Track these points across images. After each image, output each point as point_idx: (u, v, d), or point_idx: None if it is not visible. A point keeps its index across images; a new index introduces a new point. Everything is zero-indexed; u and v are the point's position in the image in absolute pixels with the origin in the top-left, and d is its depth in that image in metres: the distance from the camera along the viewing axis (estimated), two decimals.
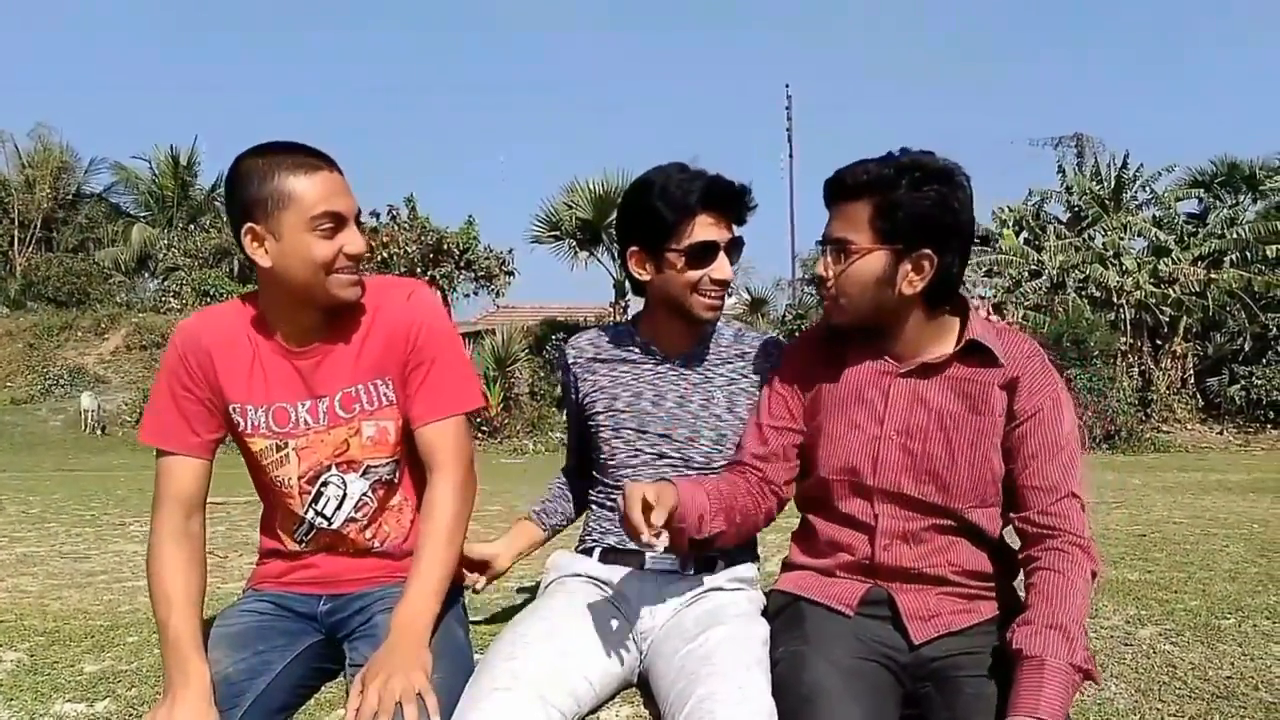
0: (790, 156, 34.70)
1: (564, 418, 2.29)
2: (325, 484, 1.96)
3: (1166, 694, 2.07)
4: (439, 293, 21.55)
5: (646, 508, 1.69)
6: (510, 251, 21.77)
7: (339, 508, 1.97)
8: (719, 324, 2.21)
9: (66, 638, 2.39)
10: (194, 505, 1.91)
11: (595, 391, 2.18)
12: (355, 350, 1.93)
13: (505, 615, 2.51)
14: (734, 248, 2.05)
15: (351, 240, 1.84)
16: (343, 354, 1.93)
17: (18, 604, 2.95)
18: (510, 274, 21.87)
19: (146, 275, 30.04)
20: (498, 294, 22.94)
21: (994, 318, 2.46)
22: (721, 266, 2.02)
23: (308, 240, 1.80)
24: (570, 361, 2.25)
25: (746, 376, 2.15)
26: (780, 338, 2.26)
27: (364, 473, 1.97)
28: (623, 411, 2.14)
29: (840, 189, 1.83)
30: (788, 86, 39.78)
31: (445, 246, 21.05)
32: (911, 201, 1.75)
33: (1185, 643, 2.36)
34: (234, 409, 1.93)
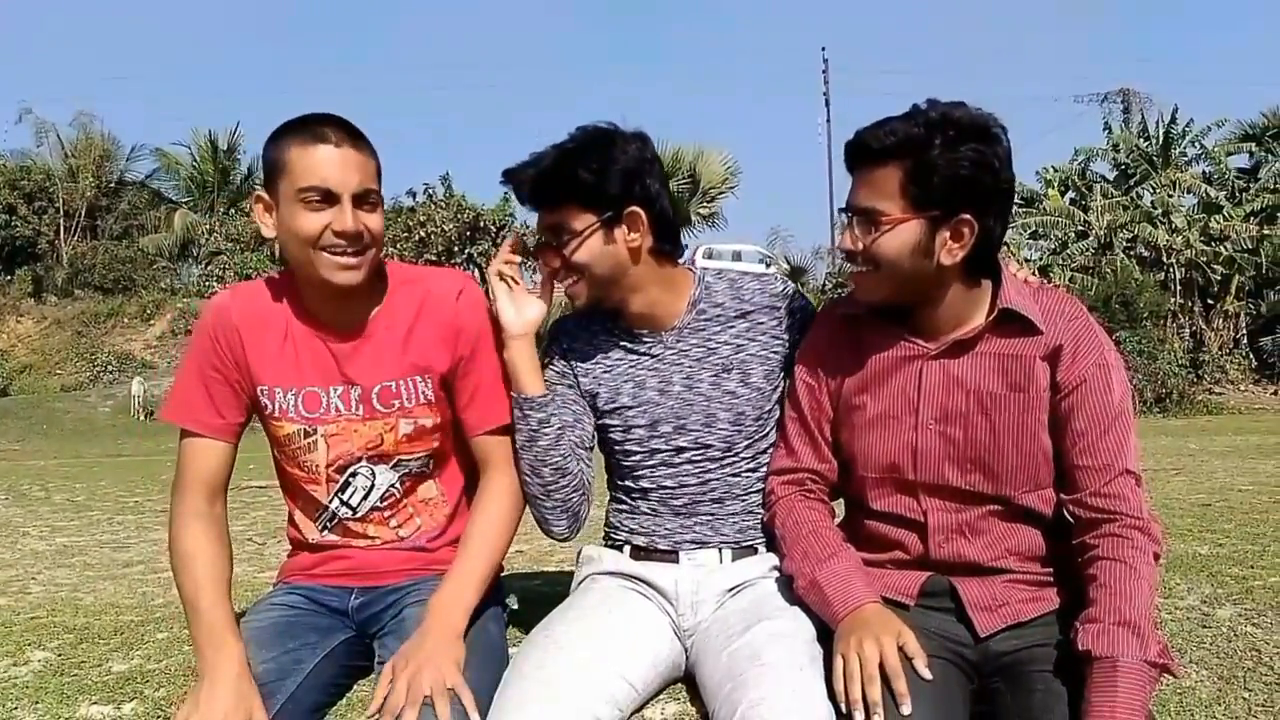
0: (828, 121, 34.35)
1: None
2: (354, 474, 1.89)
3: (1253, 681, 1.93)
4: (476, 271, 21.61)
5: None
6: None
7: (365, 498, 1.90)
8: (709, 279, 1.96)
9: (96, 635, 2.34)
10: (216, 489, 1.84)
11: (597, 387, 1.96)
12: (399, 342, 1.85)
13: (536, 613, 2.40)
14: (549, 231, 1.90)
15: (340, 219, 1.71)
16: (384, 344, 1.85)
17: (52, 598, 2.92)
18: None
19: (190, 260, 30.28)
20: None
21: (1032, 278, 2.28)
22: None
23: (295, 211, 1.73)
24: (564, 349, 2.00)
25: (755, 339, 1.93)
26: (795, 288, 2.02)
27: (395, 465, 1.90)
28: (629, 407, 1.93)
29: (865, 152, 1.64)
30: (824, 50, 39.38)
31: (482, 224, 21.04)
32: (947, 164, 1.57)
33: (1269, 624, 2.20)
34: (263, 391, 1.85)
